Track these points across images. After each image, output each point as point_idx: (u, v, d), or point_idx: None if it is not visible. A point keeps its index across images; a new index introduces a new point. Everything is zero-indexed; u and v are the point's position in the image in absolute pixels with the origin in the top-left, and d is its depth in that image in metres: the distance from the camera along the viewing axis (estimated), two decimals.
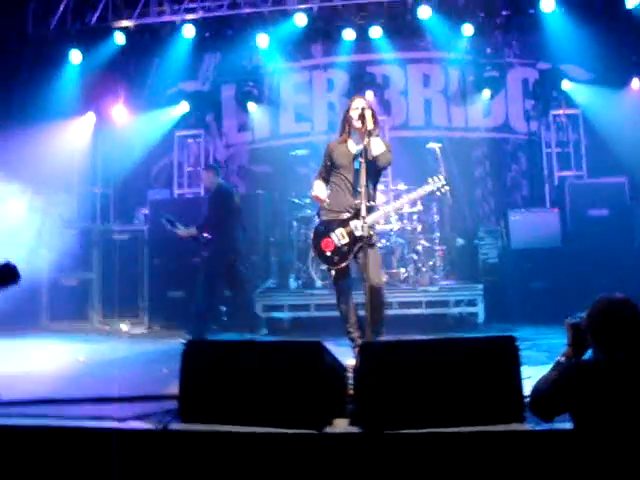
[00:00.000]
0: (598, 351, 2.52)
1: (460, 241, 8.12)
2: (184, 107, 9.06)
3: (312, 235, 4.56)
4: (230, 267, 6.72)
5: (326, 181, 4.61)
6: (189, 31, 8.13)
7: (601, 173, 8.01)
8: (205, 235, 6.63)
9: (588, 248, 7.06)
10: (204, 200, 8.60)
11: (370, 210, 4.26)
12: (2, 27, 7.94)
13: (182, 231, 6.76)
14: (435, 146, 6.75)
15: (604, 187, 7.51)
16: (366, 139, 4.19)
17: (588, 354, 2.68)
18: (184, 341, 3.22)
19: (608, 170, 7.85)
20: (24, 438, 2.95)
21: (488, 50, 8.72)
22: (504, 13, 8.10)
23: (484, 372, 2.86)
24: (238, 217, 6.85)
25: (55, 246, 7.60)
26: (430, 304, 6.86)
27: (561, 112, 8.69)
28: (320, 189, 4.55)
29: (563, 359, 2.74)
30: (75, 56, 8.27)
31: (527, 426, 2.75)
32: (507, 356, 2.90)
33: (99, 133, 8.91)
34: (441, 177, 4.38)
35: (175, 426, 2.91)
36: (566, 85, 8.51)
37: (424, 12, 7.78)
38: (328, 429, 2.82)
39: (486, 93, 8.76)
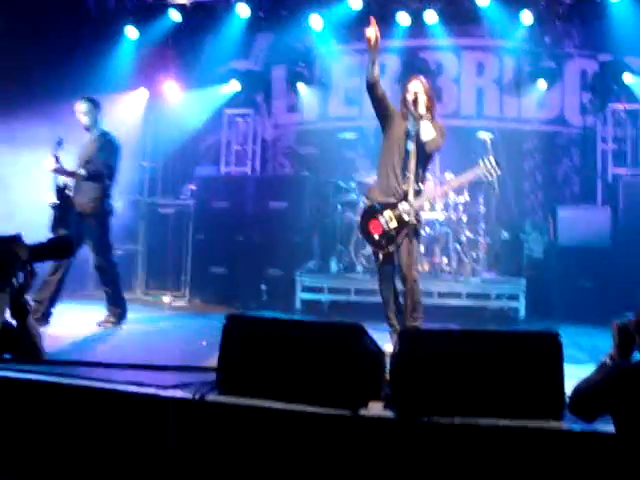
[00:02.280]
0: None
1: (505, 234, 7.97)
2: (235, 86, 9.10)
3: (359, 217, 4.54)
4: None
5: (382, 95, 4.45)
6: (243, 10, 8.15)
7: None
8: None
9: (638, 250, 6.84)
10: (249, 178, 8.69)
11: (418, 194, 4.22)
12: (61, 2, 8.12)
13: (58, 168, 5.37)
14: (485, 136, 6.64)
15: None
16: (417, 123, 4.15)
17: (636, 357, 2.61)
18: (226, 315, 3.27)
19: None
20: (71, 396, 3.07)
21: (546, 39, 8.46)
22: (567, 1, 7.84)
23: (525, 366, 2.82)
24: None
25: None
26: (471, 296, 6.79)
27: (620, 106, 8.39)
28: None
29: (608, 361, 2.66)
30: (131, 32, 8.41)
31: (565, 424, 2.71)
32: (550, 352, 2.85)
33: (151, 108, 9.05)
34: (492, 160, 4.28)
35: (212, 397, 2.97)
36: (628, 78, 8.19)
37: None
38: (363, 411, 2.83)
39: (541, 84, 8.52)
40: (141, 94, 8.98)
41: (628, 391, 2.25)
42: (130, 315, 5.83)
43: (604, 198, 8.20)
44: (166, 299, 7.86)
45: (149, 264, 8.13)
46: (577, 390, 2.59)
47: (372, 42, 4.21)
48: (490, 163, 4.29)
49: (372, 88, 4.37)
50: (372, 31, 4.21)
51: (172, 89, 9.02)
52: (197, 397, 2.93)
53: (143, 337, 5.39)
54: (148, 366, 3.67)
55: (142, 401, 3.00)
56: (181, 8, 8.27)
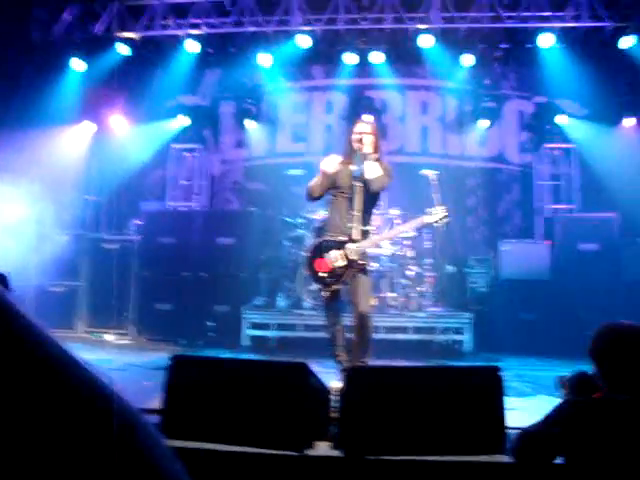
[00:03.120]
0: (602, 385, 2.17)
1: (450, 268, 8.15)
2: (182, 120, 9.10)
3: (307, 254, 4.53)
4: None
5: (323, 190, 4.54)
6: (192, 46, 8.20)
7: (592, 208, 8.11)
8: None
9: (577, 282, 7.11)
10: (196, 213, 8.63)
11: (365, 234, 4.28)
12: (6, 32, 7.97)
13: None
14: (430, 173, 6.79)
15: (594, 222, 7.58)
16: (362, 163, 4.24)
17: None
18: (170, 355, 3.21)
19: (599, 205, 7.95)
20: None
21: (486, 81, 8.85)
22: (503, 46, 8.23)
23: (468, 401, 2.86)
24: None
25: (44, 251, 7.56)
26: (417, 330, 6.87)
27: (555, 146, 8.82)
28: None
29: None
30: (77, 64, 8.31)
31: (507, 457, 2.74)
32: (491, 386, 2.90)
33: (96, 141, 8.92)
34: (442, 209, 4.36)
35: None
36: (561, 119, 8.65)
37: (425, 41, 7.89)
38: (309, 451, 2.81)
39: (483, 123, 8.88)
40: (87, 127, 8.85)
41: (576, 426, 2.05)
42: None
43: (543, 233, 8.53)
44: (109, 337, 7.63)
45: (91, 301, 7.89)
46: (522, 434, 2.32)
47: (328, 173, 4.36)
48: (440, 210, 4.35)
49: (316, 199, 4.55)
50: (329, 163, 4.36)
51: (119, 123, 8.94)
52: None
53: None
54: None
55: None
56: (130, 42, 8.24)
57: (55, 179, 7.80)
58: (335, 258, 4.29)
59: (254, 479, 2.72)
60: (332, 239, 4.34)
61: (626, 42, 7.53)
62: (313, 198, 4.52)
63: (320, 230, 4.52)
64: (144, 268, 7.83)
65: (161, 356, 4.84)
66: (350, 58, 8.43)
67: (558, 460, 2.16)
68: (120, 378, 5.28)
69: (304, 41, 8.02)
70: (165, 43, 8.44)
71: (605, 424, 1.99)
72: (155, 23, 8.22)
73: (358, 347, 4.16)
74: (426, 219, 4.37)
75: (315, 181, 4.45)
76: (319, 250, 4.38)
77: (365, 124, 4.49)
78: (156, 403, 3.09)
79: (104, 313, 7.80)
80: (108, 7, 8.21)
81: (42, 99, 7.95)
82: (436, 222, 4.35)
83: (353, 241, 4.18)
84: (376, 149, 4.39)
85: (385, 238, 5.16)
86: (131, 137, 8.88)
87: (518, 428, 3.23)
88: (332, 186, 4.50)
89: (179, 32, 8.19)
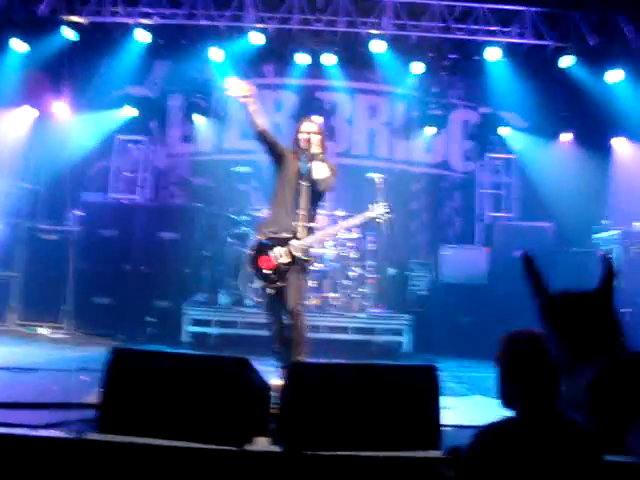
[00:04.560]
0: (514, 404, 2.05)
1: (392, 271, 8.30)
2: (129, 111, 8.90)
3: (250, 251, 4.51)
4: None
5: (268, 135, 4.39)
6: (142, 36, 8.03)
7: (529, 217, 8.44)
8: None
9: (512, 287, 7.31)
10: (139, 206, 8.46)
11: (309, 232, 4.30)
12: None
13: None
14: (375, 176, 6.89)
15: (530, 230, 7.88)
16: (310, 162, 4.26)
17: None
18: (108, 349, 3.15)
19: (536, 214, 8.29)
20: None
21: (434, 89, 9.06)
22: (451, 56, 8.45)
23: (405, 399, 2.94)
24: None
25: None
26: (357, 330, 6.97)
27: (497, 155, 9.13)
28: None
29: None
30: (18, 45, 7.99)
31: (441, 453, 2.83)
32: (427, 385, 2.99)
33: (37, 127, 8.60)
34: (384, 204, 4.41)
35: (92, 436, 2.82)
36: (503, 130, 8.96)
37: (377, 46, 8.01)
38: (248, 446, 2.81)
39: (429, 130, 9.08)
40: (27, 112, 8.53)
41: (491, 457, 1.89)
42: (2, 348, 5.41)
43: (482, 239, 8.81)
44: (44, 331, 7.37)
45: (26, 293, 7.59)
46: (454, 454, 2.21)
47: (242, 96, 4.22)
48: (381, 206, 4.40)
49: (260, 137, 4.39)
50: (235, 88, 4.21)
51: (62, 109, 8.65)
52: (76, 436, 2.77)
53: (16, 373, 4.98)
54: (20, 404, 3.42)
55: (10, 441, 2.78)
56: (77, 26, 7.98)
57: None
58: (279, 255, 4.29)
59: (194, 474, 2.70)
60: (276, 236, 4.34)
61: (565, 61, 7.87)
62: (257, 132, 4.33)
63: (263, 226, 4.48)
64: (83, 260, 7.61)
65: (99, 351, 4.74)
66: (302, 58, 8.47)
67: None
68: (55, 372, 5.12)
69: (257, 38, 8.00)
70: (114, 30, 8.22)
71: (521, 449, 1.86)
72: (104, 9, 8.00)
73: (295, 345, 4.20)
74: (368, 214, 4.41)
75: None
76: (263, 247, 4.37)
77: (312, 123, 4.50)
78: (94, 397, 3.03)
79: (39, 306, 7.52)
80: None
81: None
82: (378, 218, 4.39)
83: (297, 238, 4.20)
84: (322, 148, 4.41)
85: (328, 235, 5.19)
86: (74, 125, 8.61)
87: (453, 425, 3.36)
88: (278, 171, 4.46)
89: (129, 20, 8.01)
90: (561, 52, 7.88)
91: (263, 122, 4.35)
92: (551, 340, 2.11)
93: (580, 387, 2.15)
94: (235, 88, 4.21)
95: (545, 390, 1.98)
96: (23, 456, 2.72)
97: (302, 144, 4.39)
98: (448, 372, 5.42)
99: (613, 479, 1.93)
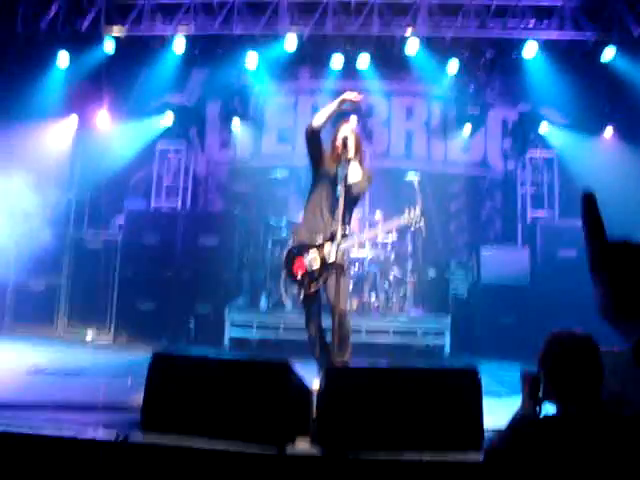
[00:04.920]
0: (553, 401, 2.07)
1: (431, 272, 8.23)
2: (168, 119, 9.07)
3: (284, 256, 4.54)
4: None
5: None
6: (179, 46, 8.19)
7: (572, 215, 8.23)
8: None
9: (556, 287, 7.21)
10: (180, 213, 8.62)
11: (344, 237, 4.30)
12: None
13: None
14: (413, 178, 6.89)
15: (574, 229, 7.68)
16: (345, 166, 4.27)
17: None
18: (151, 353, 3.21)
19: (579, 213, 8.05)
20: None
21: (471, 88, 8.94)
22: (488, 54, 8.34)
23: (446, 402, 2.91)
24: None
25: (25, 248, 7.50)
26: (398, 333, 6.93)
27: (537, 153, 8.95)
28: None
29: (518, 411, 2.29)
30: (63, 59, 8.25)
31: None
32: (469, 388, 2.95)
33: (80, 138, 8.85)
34: (417, 209, 4.40)
35: (136, 437, 2.88)
36: (543, 128, 8.78)
37: (411, 47, 7.97)
38: (289, 449, 2.83)
39: (466, 130, 8.98)
40: (70, 123, 8.78)
41: (525, 451, 1.88)
42: (51, 352, 5.59)
43: (523, 239, 8.65)
44: (89, 335, 7.58)
45: (72, 299, 7.83)
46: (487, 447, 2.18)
47: (353, 102, 4.45)
48: (414, 212, 4.38)
49: (314, 134, 4.45)
50: (355, 95, 4.47)
51: (104, 120, 8.88)
52: (120, 438, 2.84)
53: (64, 376, 5.15)
54: (68, 406, 3.53)
55: (59, 442, 2.87)
56: (116, 39, 8.20)
57: (38, 174, 7.74)
58: (314, 259, 4.30)
59: (234, 477, 2.74)
60: (310, 241, 4.36)
61: (607, 54, 7.68)
62: (317, 128, 4.42)
63: (298, 231, 4.51)
64: (127, 267, 7.79)
65: (143, 355, 4.84)
66: (337, 61, 8.48)
67: None
68: (101, 376, 5.27)
69: (292, 43, 8.06)
70: (152, 42, 8.41)
71: (557, 445, 1.84)
72: (142, 21, 8.20)
73: (337, 348, 4.19)
74: (400, 220, 4.41)
75: (324, 110, 4.43)
76: (297, 251, 4.39)
77: (348, 126, 4.52)
78: (139, 401, 3.10)
79: (85, 312, 7.75)
80: (95, 3, 8.17)
81: (26, 93, 7.89)
82: (410, 224, 4.37)
83: (333, 242, 4.21)
84: (358, 153, 4.41)
85: (362, 240, 5.18)
86: (116, 135, 8.82)
87: (495, 430, 3.30)
88: (317, 173, 4.49)
89: (166, 31, 8.18)
90: (602, 45, 7.68)
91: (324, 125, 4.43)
92: (602, 295, 2.03)
93: (628, 354, 2.00)
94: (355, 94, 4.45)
95: (586, 390, 1.97)
96: (71, 456, 2.80)
97: (338, 148, 4.41)
98: (489, 374, 5.34)
99: None
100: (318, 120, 4.40)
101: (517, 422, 2.04)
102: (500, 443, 1.99)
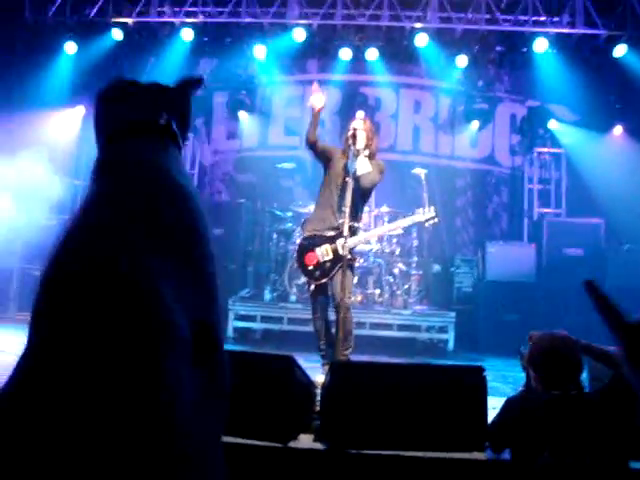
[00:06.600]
0: (538, 384, 2.50)
1: (436, 267, 8.20)
2: None
3: (296, 247, 4.57)
4: None
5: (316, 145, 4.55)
6: (188, 34, 8.15)
7: (579, 213, 8.19)
8: None
9: (561, 285, 7.18)
10: None
11: (354, 231, 4.30)
12: None
13: None
14: (420, 172, 6.84)
15: (581, 227, 7.67)
16: (355, 159, 4.26)
17: None
18: None
19: (586, 210, 8.04)
20: None
21: (480, 83, 8.89)
22: (498, 49, 8.28)
23: (451, 400, 2.89)
24: None
25: (31, 235, 7.50)
26: (402, 327, 6.91)
27: (545, 150, 8.90)
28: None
29: (521, 388, 2.80)
30: (70, 47, 8.23)
31: (488, 455, 2.79)
32: (474, 386, 2.94)
33: (87, 126, 8.80)
34: (432, 209, 4.44)
35: None
36: (552, 124, 8.72)
37: (421, 40, 7.91)
38: (293, 443, 2.83)
39: (474, 124, 8.92)
40: (78, 111, 8.77)
41: (519, 420, 2.41)
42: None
43: (530, 235, 8.61)
44: None
45: None
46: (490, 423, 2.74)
47: (316, 109, 4.44)
48: (429, 211, 4.43)
49: (312, 146, 4.54)
50: (317, 98, 4.45)
51: None
52: None
53: None
54: None
55: None
56: (124, 27, 8.18)
57: (44, 162, 7.74)
58: (326, 252, 4.32)
59: (237, 469, 2.73)
60: (322, 233, 4.37)
61: (619, 50, 7.61)
62: (310, 142, 4.51)
63: (309, 224, 4.52)
64: None
65: None
66: (345, 53, 8.44)
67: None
68: None
69: (300, 35, 8.01)
70: (160, 30, 8.38)
71: (541, 417, 2.31)
72: (150, 9, 8.16)
73: (340, 341, 4.19)
74: (416, 218, 4.45)
75: (309, 124, 4.53)
76: (309, 244, 4.40)
77: (359, 120, 4.51)
78: None
79: None
80: None
81: (33, 81, 7.88)
82: (425, 222, 4.42)
83: (343, 236, 4.20)
84: (369, 146, 4.40)
85: (375, 235, 5.17)
86: None
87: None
88: (326, 169, 4.51)
89: (175, 19, 8.15)
90: (614, 41, 7.61)
91: (317, 134, 4.53)
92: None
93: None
94: (316, 97, 4.45)
95: (568, 378, 2.37)
96: None
97: (347, 140, 4.41)
98: (492, 371, 5.33)
99: None
100: (307, 132, 4.56)
101: (508, 401, 2.56)
102: (498, 416, 2.57)
